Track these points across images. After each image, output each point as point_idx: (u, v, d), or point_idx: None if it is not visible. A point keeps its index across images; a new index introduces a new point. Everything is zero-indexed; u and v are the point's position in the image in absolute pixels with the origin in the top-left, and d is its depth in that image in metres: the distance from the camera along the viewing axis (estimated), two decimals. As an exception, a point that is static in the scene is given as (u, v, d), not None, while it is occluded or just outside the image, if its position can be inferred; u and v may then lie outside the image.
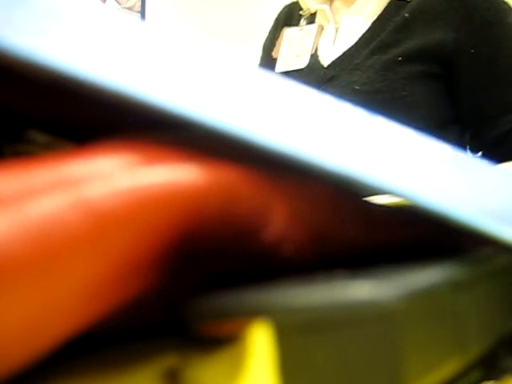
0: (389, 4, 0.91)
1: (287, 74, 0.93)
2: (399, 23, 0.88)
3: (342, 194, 0.17)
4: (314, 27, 0.96)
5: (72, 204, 0.12)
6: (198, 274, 0.16)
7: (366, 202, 0.18)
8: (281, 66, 0.96)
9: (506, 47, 0.86)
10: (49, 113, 0.18)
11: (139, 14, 2.31)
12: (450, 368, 0.14)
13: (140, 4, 2.31)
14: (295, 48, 0.96)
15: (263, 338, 0.13)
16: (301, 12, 1.00)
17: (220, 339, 0.14)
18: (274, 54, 0.99)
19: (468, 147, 0.93)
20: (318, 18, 0.98)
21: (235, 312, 0.14)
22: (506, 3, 0.88)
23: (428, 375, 0.13)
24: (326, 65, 0.91)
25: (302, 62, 0.94)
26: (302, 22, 0.99)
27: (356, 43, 0.91)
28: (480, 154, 0.92)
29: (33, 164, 0.13)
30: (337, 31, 0.95)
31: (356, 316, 0.12)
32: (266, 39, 1.06)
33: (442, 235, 0.19)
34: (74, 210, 0.12)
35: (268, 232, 0.15)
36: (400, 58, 0.86)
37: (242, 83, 0.14)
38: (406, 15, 0.88)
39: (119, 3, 2.24)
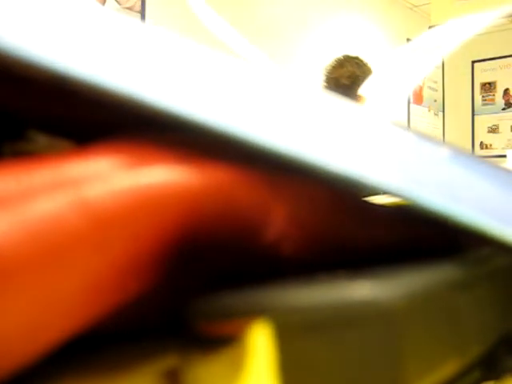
0: None
1: None
2: None
3: (342, 194, 0.17)
4: None
5: (71, 204, 0.12)
6: (198, 273, 0.16)
7: (365, 201, 0.18)
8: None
9: None
10: (49, 113, 0.18)
11: (139, 14, 2.30)
12: (449, 368, 0.14)
13: (140, 4, 2.31)
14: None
15: (263, 337, 0.13)
16: None
17: (220, 339, 0.14)
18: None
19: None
20: None
21: (235, 312, 0.14)
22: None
23: (428, 375, 0.13)
24: None
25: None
26: None
27: None
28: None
29: (33, 164, 0.13)
30: None
31: (356, 316, 0.12)
32: None
33: (441, 235, 0.19)
34: (73, 211, 0.12)
35: (268, 232, 0.15)
36: None
37: (241, 84, 0.14)
38: None
39: (119, 3, 2.24)
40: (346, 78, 1.50)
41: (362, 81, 1.40)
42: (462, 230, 0.16)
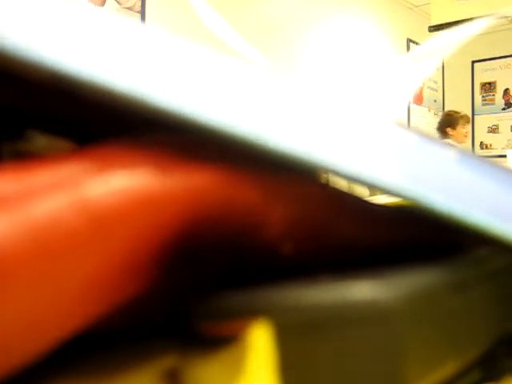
0: None
1: None
2: None
3: (342, 194, 0.17)
4: None
5: (71, 204, 0.12)
6: (197, 274, 0.16)
7: (365, 202, 0.18)
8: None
9: None
10: (49, 113, 0.18)
11: (139, 14, 2.31)
12: (449, 368, 0.14)
13: (140, 4, 2.31)
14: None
15: (263, 337, 0.13)
16: None
17: (220, 339, 0.14)
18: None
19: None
20: None
21: (235, 312, 0.14)
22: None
23: (428, 375, 0.13)
24: None
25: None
26: None
27: None
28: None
29: (33, 164, 0.13)
30: None
31: (356, 316, 0.12)
32: None
33: (441, 235, 0.19)
34: (72, 211, 0.12)
35: (268, 232, 0.15)
36: None
37: (240, 84, 0.14)
38: None
39: (119, 3, 2.24)
40: (438, 124, 2.89)
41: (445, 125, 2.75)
42: (466, 231, 0.16)
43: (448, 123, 2.81)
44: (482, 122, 4.08)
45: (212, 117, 0.13)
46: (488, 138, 4.05)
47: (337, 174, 0.14)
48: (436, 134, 2.84)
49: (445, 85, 4.14)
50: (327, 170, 0.14)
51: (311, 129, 0.14)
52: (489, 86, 4.10)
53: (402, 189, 0.15)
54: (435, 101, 4.04)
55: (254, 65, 0.14)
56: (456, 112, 2.90)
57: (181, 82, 0.13)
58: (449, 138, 2.76)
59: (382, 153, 0.15)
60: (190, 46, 0.14)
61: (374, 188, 0.15)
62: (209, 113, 0.13)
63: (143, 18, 2.32)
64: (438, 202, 0.15)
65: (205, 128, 0.13)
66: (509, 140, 3.96)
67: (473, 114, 4.10)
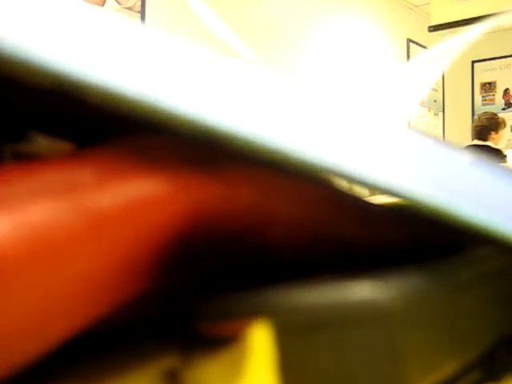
0: None
1: None
2: None
3: (343, 194, 0.17)
4: None
5: (70, 205, 0.12)
6: (197, 274, 0.16)
7: (366, 202, 0.18)
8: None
9: None
10: (49, 113, 0.18)
11: (139, 14, 2.31)
12: (449, 368, 0.14)
13: (140, 4, 2.31)
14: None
15: (263, 337, 0.13)
16: None
17: (220, 340, 0.14)
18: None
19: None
20: None
21: (235, 312, 0.14)
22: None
23: (428, 375, 0.13)
24: None
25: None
26: None
27: None
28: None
29: (33, 166, 0.13)
30: None
31: (356, 316, 0.12)
32: None
33: (442, 235, 0.19)
34: (72, 211, 0.12)
35: (268, 232, 0.15)
36: None
37: (240, 84, 0.14)
38: None
39: (119, 3, 2.24)
40: (480, 126, 2.84)
41: (490, 129, 2.80)
42: (471, 232, 0.16)
43: (493, 126, 2.82)
44: (482, 122, 4.07)
45: (213, 117, 0.13)
46: (488, 138, 4.04)
47: (342, 175, 0.14)
48: (475, 135, 2.82)
49: (445, 85, 4.14)
50: (333, 174, 0.14)
51: (320, 133, 0.14)
52: (489, 86, 4.10)
53: (407, 190, 0.15)
54: (435, 101, 4.04)
55: (257, 66, 0.14)
56: (497, 116, 2.96)
57: (183, 84, 0.13)
58: (489, 140, 2.77)
59: (393, 156, 0.15)
60: (190, 48, 0.14)
61: (383, 191, 0.15)
62: (210, 113, 0.13)
63: (143, 18, 2.32)
64: (449, 204, 0.15)
65: (205, 129, 0.13)
66: (509, 140, 3.95)
67: (473, 114, 4.10)
